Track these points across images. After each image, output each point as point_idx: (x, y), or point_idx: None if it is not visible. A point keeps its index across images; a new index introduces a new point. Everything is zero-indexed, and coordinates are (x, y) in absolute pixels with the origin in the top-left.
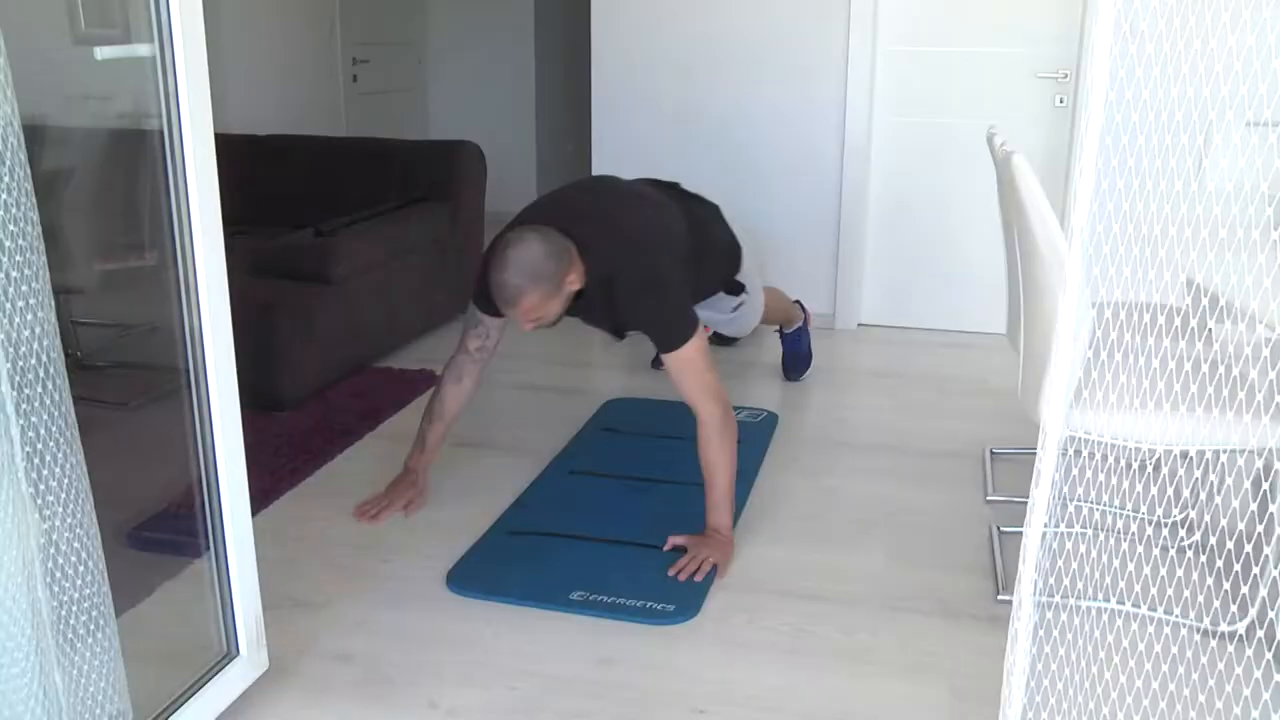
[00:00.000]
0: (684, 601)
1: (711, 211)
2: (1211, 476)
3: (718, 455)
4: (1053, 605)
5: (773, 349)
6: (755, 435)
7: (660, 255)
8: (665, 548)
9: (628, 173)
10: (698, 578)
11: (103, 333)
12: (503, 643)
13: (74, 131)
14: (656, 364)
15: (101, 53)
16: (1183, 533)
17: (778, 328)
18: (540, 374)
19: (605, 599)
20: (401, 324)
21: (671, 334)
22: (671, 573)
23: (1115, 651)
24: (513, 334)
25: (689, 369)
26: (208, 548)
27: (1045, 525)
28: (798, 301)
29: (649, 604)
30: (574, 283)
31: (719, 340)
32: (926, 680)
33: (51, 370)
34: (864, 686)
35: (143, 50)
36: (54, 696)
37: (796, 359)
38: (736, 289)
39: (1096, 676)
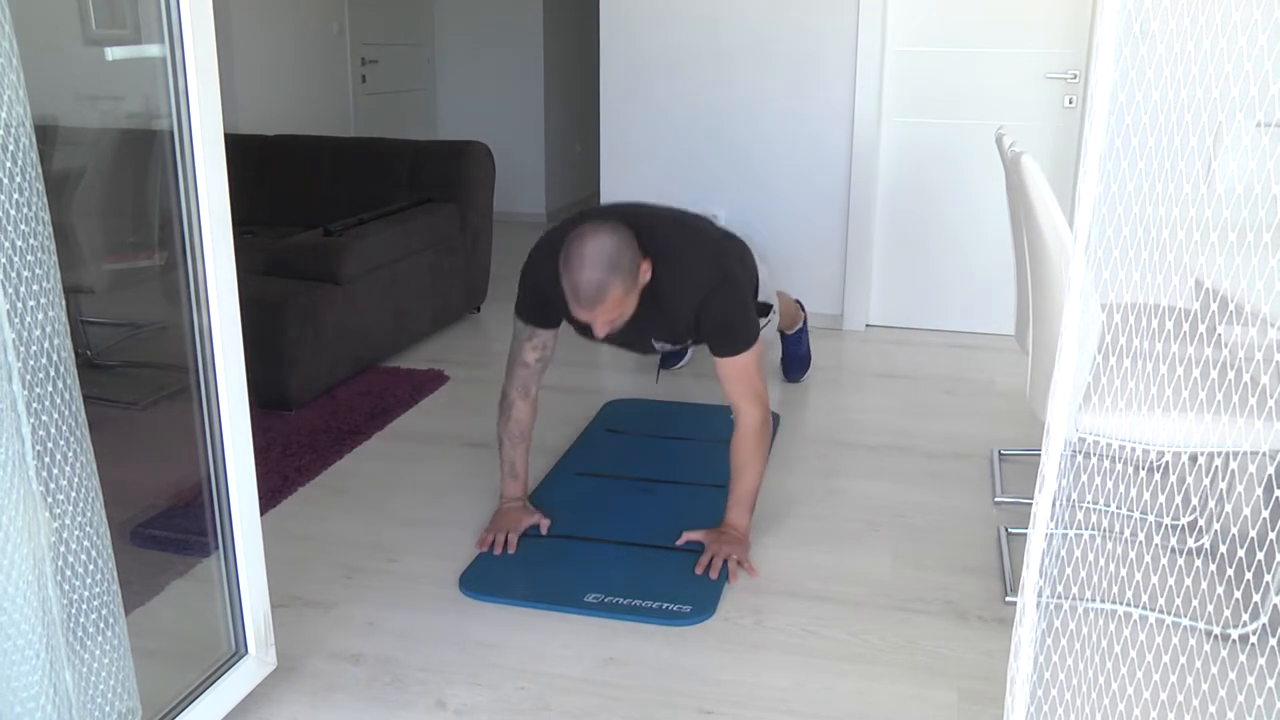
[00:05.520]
0: (700, 602)
1: (739, 244)
2: (1221, 480)
3: (750, 457)
4: (1060, 608)
5: (774, 350)
6: None
7: (728, 259)
8: (679, 542)
9: (636, 172)
10: (714, 574)
11: (113, 332)
12: (511, 643)
13: (85, 131)
14: (666, 365)
15: (112, 53)
16: (1191, 536)
17: (779, 329)
18: (546, 374)
19: (621, 601)
20: (410, 324)
21: (737, 339)
22: (699, 570)
23: (1124, 655)
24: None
25: (745, 375)
26: (216, 546)
27: (1053, 527)
28: (797, 301)
29: (665, 605)
30: (646, 274)
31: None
32: (934, 682)
33: (62, 369)
34: (872, 688)
35: (153, 51)
36: (64, 694)
37: (797, 360)
38: (765, 310)
39: (1106, 681)
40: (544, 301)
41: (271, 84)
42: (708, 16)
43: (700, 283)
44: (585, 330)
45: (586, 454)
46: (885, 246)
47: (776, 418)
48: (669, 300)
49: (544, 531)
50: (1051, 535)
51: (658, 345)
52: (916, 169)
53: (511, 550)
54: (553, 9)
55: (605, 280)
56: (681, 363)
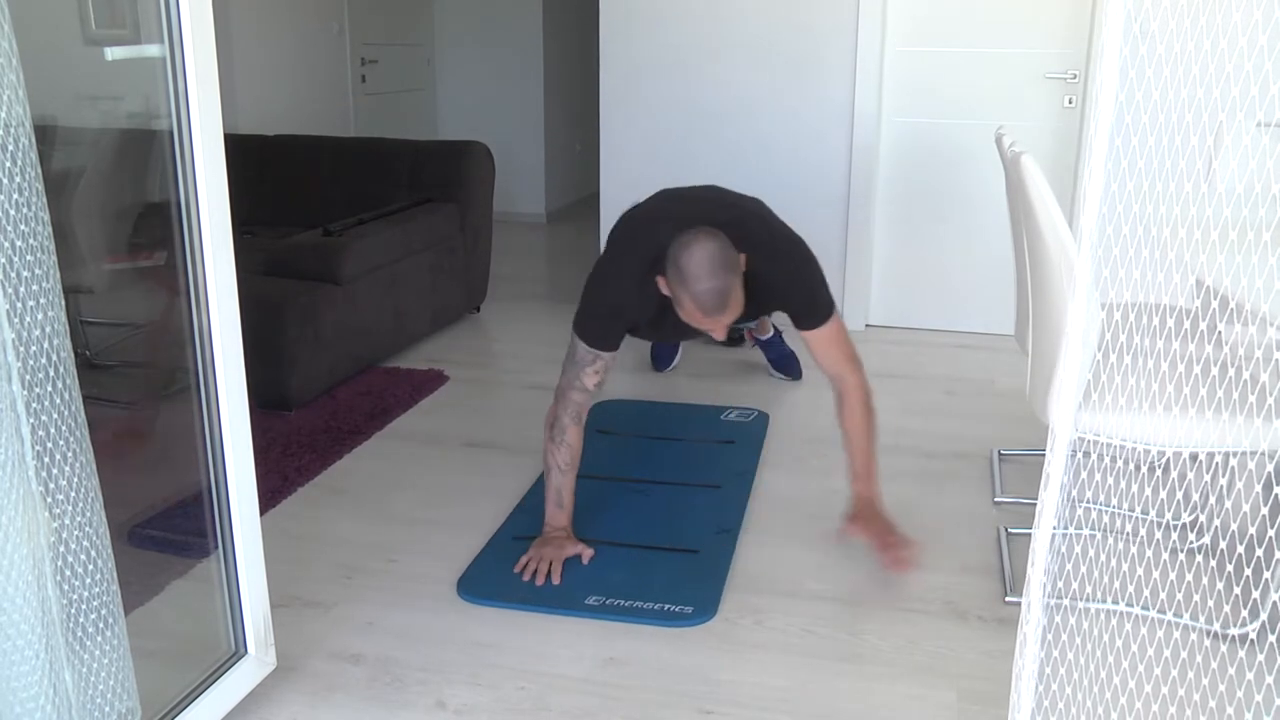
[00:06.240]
0: (702, 603)
1: None
2: (1221, 479)
3: (867, 424)
4: (1061, 608)
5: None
6: (749, 435)
7: (792, 234)
8: (836, 540)
9: (636, 172)
10: (904, 569)
11: (112, 332)
12: (511, 643)
13: (84, 131)
14: (658, 367)
15: (112, 53)
16: (1192, 535)
17: (753, 342)
18: (545, 374)
19: (623, 603)
20: (410, 324)
21: (823, 307)
22: (895, 570)
23: (1124, 654)
24: (512, 333)
25: (838, 339)
26: (216, 547)
27: (1054, 528)
28: None
29: (667, 606)
30: (743, 266)
31: (728, 342)
32: (934, 682)
33: (61, 369)
34: (871, 688)
35: (153, 51)
36: (63, 694)
37: (786, 359)
38: None
39: (1105, 679)
40: (621, 321)
41: (271, 84)
42: (707, 16)
43: (785, 259)
44: (679, 333)
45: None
46: (885, 246)
47: (767, 416)
48: (762, 284)
49: (585, 562)
50: (1053, 534)
51: (741, 327)
52: (916, 169)
53: (556, 580)
54: (553, 9)
55: (726, 285)
56: (673, 364)
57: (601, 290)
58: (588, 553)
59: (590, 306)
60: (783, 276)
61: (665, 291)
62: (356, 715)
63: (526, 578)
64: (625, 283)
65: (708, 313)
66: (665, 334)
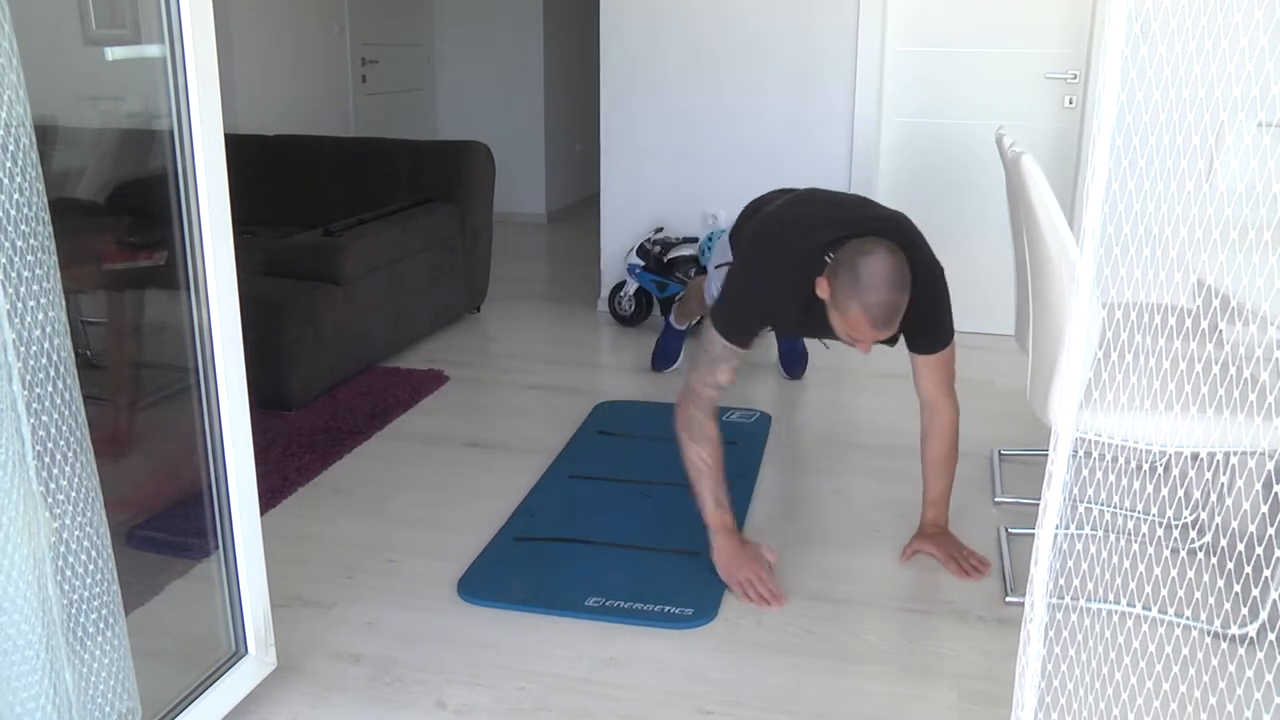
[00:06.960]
0: (702, 605)
1: None
2: (1222, 478)
3: (951, 453)
4: (1062, 607)
5: (773, 351)
6: (751, 435)
7: (934, 256)
8: (905, 558)
9: (636, 172)
10: (974, 576)
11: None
12: (510, 643)
13: (84, 131)
14: (658, 367)
15: (112, 53)
16: (1193, 534)
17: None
18: (545, 374)
19: (622, 604)
20: (410, 324)
21: (943, 332)
22: (970, 577)
23: (1125, 653)
24: (512, 333)
25: (945, 368)
26: (216, 547)
27: (1056, 527)
28: None
29: (667, 608)
30: None
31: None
32: (934, 682)
33: (62, 369)
34: (872, 688)
35: (153, 51)
36: (64, 694)
37: (795, 356)
38: None
39: (1106, 678)
40: (768, 320)
41: (271, 84)
42: (707, 16)
43: (930, 282)
44: (812, 334)
45: (579, 456)
46: None
47: (769, 417)
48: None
49: (772, 560)
50: (1055, 534)
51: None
52: (916, 169)
53: (785, 602)
54: (553, 9)
55: (900, 300)
56: (675, 365)
57: (756, 287)
58: (772, 555)
59: (740, 303)
60: (923, 299)
61: (821, 294)
62: (356, 715)
63: (751, 600)
64: (779, 282)
65: (876, 325)
66: (800, 334)
